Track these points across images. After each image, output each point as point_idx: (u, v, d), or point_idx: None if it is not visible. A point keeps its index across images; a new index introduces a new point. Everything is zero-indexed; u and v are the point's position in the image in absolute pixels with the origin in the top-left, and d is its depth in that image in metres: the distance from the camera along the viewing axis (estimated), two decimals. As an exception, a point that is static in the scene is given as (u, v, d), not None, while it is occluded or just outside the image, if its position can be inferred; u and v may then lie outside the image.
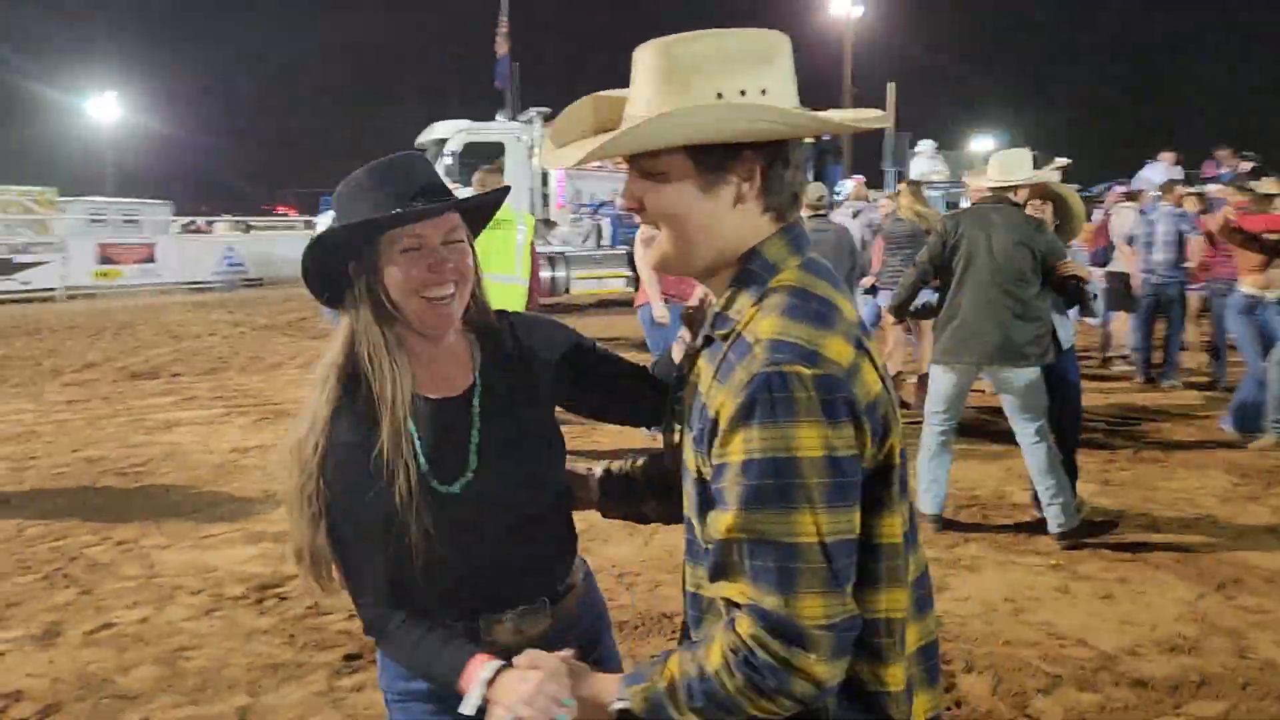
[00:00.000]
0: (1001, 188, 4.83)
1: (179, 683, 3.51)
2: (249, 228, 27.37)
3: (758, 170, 1.25)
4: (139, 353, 12.24)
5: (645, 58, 1.24)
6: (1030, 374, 4.80)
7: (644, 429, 2.15)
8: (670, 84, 1.21)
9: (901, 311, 5.38)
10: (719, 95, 1.20)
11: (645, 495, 1.74)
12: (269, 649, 3.77)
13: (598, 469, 1.78)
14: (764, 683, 1.14)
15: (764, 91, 1.22)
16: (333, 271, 1.55)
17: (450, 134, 16.38)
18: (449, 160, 15.97)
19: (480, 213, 1.67)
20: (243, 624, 4.02)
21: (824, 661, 1.13)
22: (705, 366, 1.29)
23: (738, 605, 1.17)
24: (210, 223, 28.55)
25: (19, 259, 20.69)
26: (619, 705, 1.27)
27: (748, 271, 1.27)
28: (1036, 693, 3.40)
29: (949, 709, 3.27)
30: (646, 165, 1.26)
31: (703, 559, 1.29)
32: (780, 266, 1.26)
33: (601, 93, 1.36)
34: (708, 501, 1.24)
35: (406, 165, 1.55)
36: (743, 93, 1.21)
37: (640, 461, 1.77)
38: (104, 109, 45.29)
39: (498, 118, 17.64)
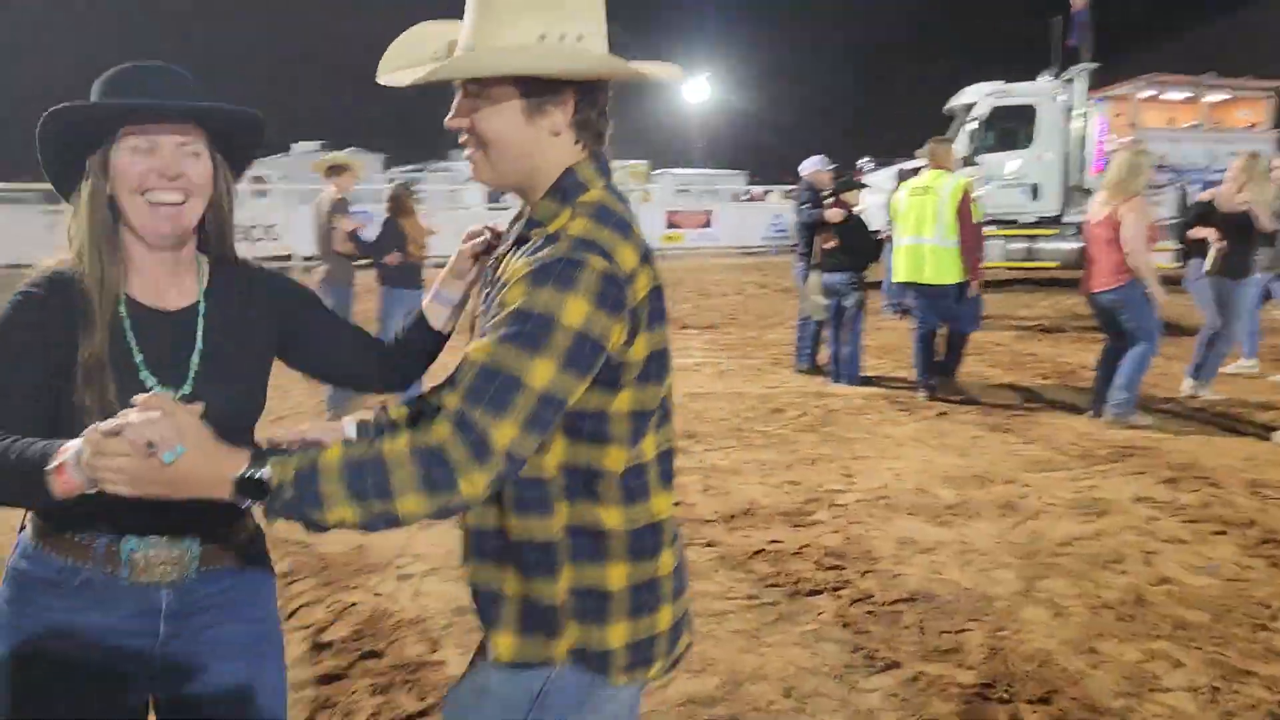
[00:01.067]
0: None
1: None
2: (799, 196, 28.99)
3: (572, 106, 1.44)
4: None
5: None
6: None
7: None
8: (502, 19, 1.39)
9: None
10: (542, 36, 1.39)
11: None
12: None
13: (349, 423, 1.72)
14: (435, 476, 1.25)
15: (580, 38, 1.41)
16: (74, 161, 1.53)
17: (978, 98, 15.81)
18: (973, 125, 15.45)
19: (238, 137, 1.62)
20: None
21: (488, 482, 1.27)
22: (514, 261, 1.43)
23: (450, 414, 1.28)
24: (766, 192, 30.72)
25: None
26: (250, 473, 1.26)
27: (562, 187, 1.46)
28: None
29: None
30: (477, 90, 1.43)
31: None
32: (589, 185, 1.46)
33: (431, 22, 1.57)
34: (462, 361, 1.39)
35: (164, 72, 1.56)
36: (562, 37, 1.40)
37: (400, 407, 1.74)
38: (697, 90, 50.54)
39: (1040, 78, 16.52)
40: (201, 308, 1.63)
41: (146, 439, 1.22)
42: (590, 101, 1.46)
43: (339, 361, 1.83)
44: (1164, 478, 5.47)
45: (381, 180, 26.05)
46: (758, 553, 4.35)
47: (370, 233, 7.28)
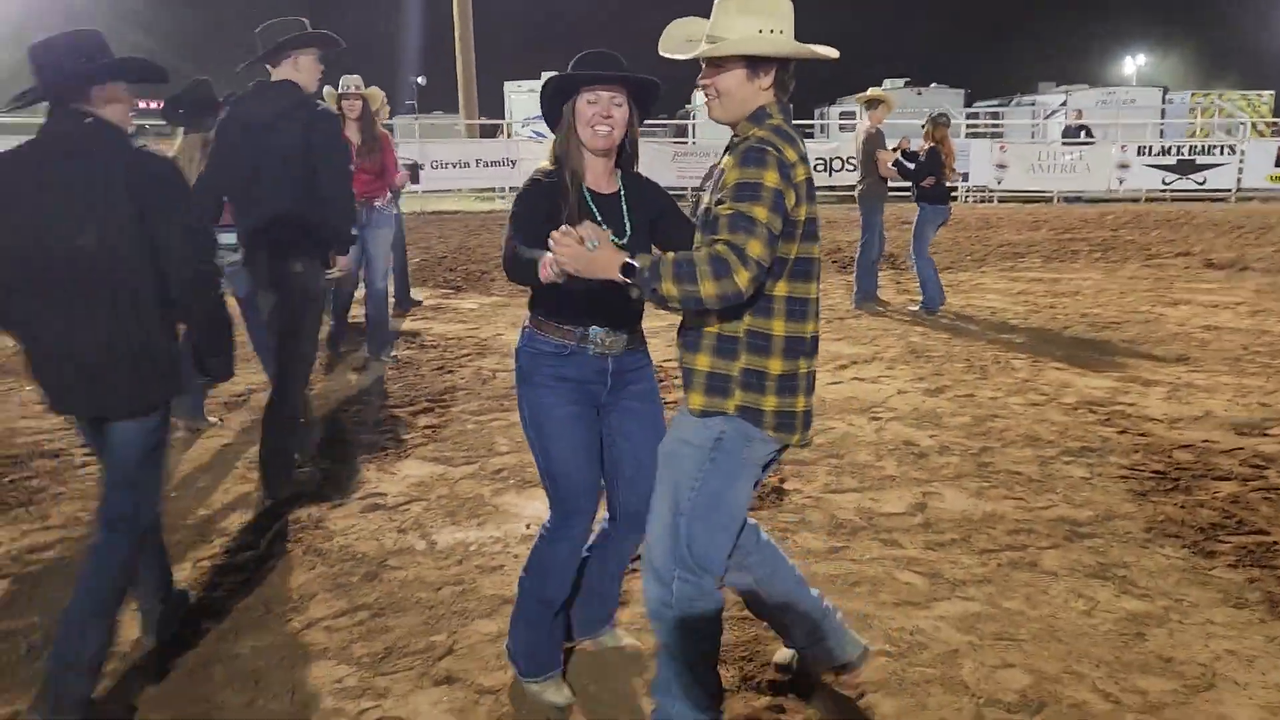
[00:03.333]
0: None
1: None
2: None
3: (774, 71, 2.33)
4: (1236, 246, 13.09)
5: (725, 5, 2.32)
6: None
7: None
8: (734, 20, 2.29)
9: None
10: (759, 30, 2.28)
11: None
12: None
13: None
14: (717, 270, 2.09)
15: (781, 31, 2.31)
16: (557, 108, 2.59)
17: None
18: None
19: (646, 95, 2.64)
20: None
21: (747, 278, 2.11)
22: (727, 159, 2.34)
23: (719, 240, 2.14)
24: None
25: (1201, 160, 22.38)
26: (629, 260, 2.16)
27: (756, 116, 2.34)
28: None
29: None
30: (718, 62, 2.32)
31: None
32: (772, 116, 2.33)
33: (686, 18, 2.50)
34: (711, 220, 2.26)
35: (607, 55, 2.59)
36: (772, 30, 2.30)
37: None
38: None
39: None
40: (623, 194, 2.71)
41: (581, 236, 2.21)
42: (784, 69, 2.35)
43: (671, 245, 2.68)
44: None
45: (961, 115, 26.58)
46: (1184, 446, 4.91)
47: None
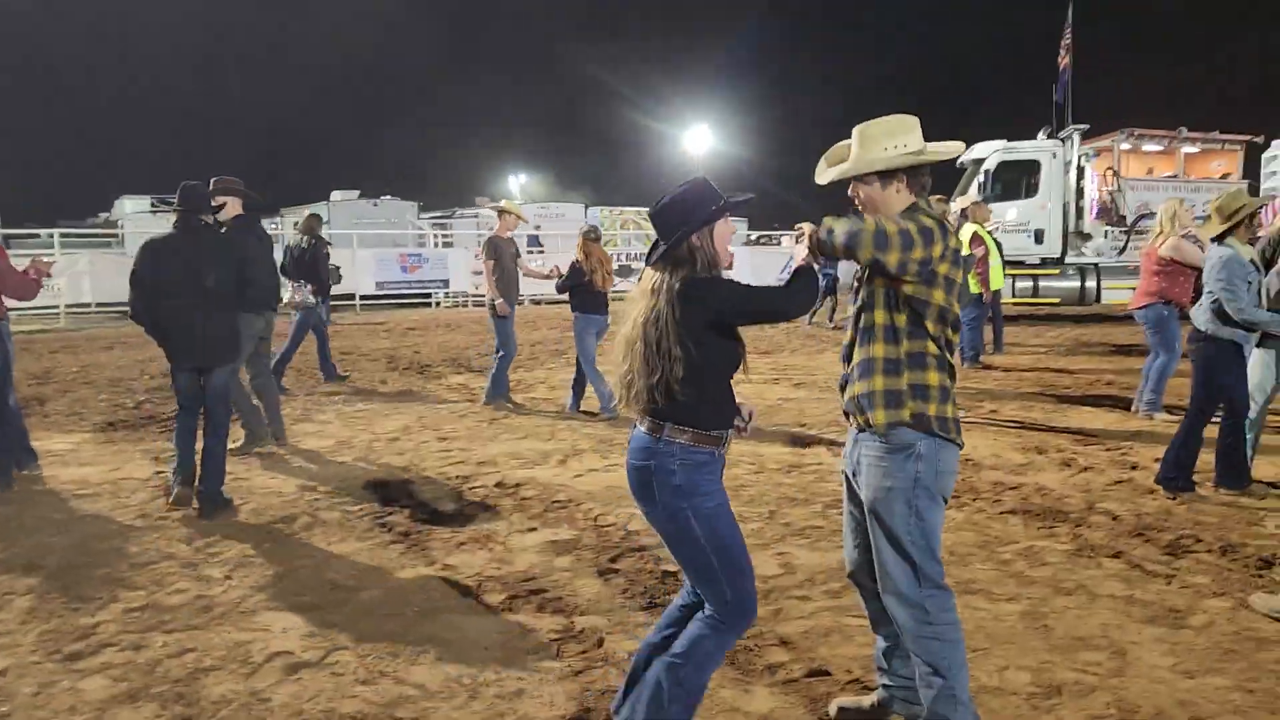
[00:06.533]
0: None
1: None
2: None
3: (905, 177, 2.84)
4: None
5: (858, 132, 2.86)
6: None
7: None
8: (870, 144, 2.85)
9: None
10: (885, 149, 2.82)
11: None
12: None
13: None
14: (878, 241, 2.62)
15: (907, 145, 2.84)
16: (671, 233, 2.76)
17: (987, 154, 17.80)
18: (981, 178, 17.46)
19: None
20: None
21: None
22: None
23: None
24: (760, 238, 32.69)
25: (636, 265, 26.23)
26: (826, 224, 2.72)
27: (906, 213, 2.79)
28: None
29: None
30: (861, 178, 2.86)
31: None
32: (919, 211, 2.79)
33: (842, 142, 2.96)
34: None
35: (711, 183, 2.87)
36: (899, 146, 2.83)
37: None
38: (697, 139, 52.53)
39: (1039, 136, 18.46)
40: None
41: (811, 229, 2.84)
42: (914, 173, 2.85)
43: None
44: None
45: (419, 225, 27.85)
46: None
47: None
